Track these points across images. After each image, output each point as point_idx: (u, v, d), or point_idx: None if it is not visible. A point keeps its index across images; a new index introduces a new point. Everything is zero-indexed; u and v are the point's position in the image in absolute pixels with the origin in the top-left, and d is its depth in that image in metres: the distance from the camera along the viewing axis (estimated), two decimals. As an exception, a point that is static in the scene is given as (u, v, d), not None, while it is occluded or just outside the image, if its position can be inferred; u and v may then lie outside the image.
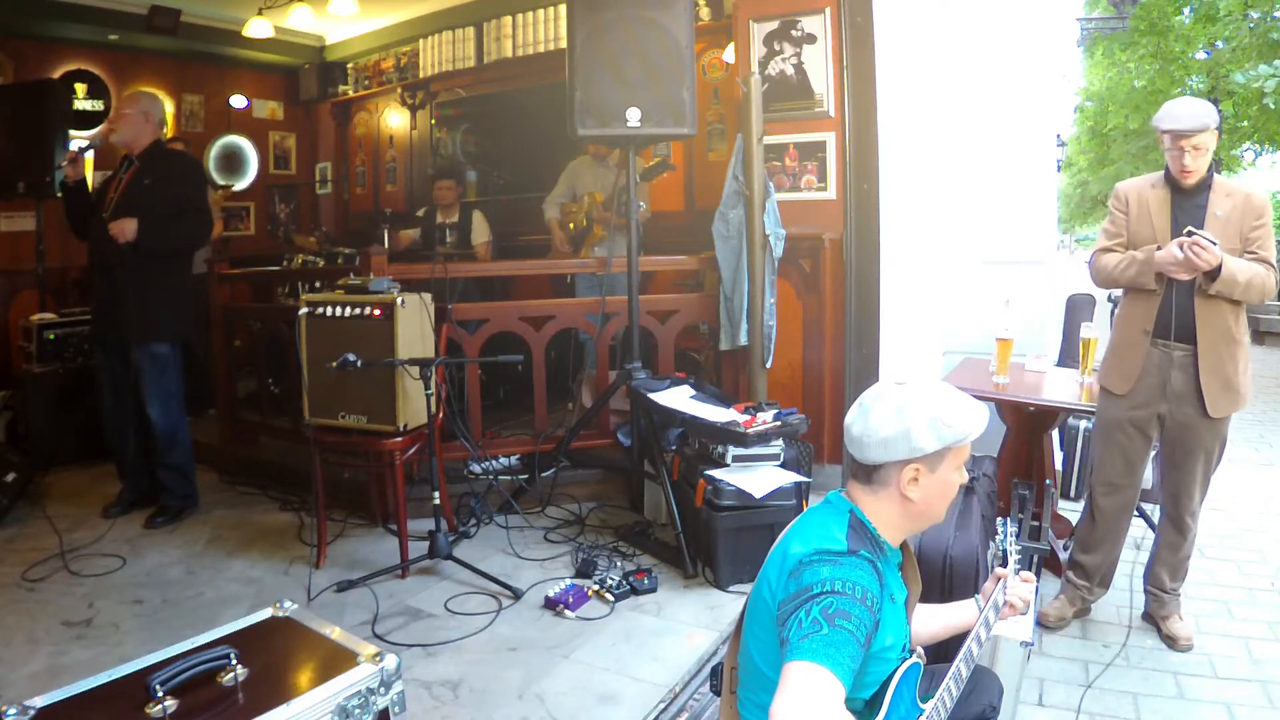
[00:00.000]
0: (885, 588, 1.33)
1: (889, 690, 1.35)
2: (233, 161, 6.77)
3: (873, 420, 1.39)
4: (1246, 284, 2.38)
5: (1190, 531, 2.66)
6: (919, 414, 1.37)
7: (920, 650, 1.49)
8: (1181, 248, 2.34)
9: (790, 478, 2.93)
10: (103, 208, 3.35)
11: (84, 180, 3.47)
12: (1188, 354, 2.49)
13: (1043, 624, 2.76)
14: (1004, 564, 1.69)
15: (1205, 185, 2.50)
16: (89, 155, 3.57)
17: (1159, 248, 2.45)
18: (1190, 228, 2.39)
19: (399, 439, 2.99)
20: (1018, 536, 1.83)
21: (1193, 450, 2.56)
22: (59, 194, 3.56)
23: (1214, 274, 2.37)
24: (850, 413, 1.45)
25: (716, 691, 1.57)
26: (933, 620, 1.66)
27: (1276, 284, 2.46)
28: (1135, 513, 2.84)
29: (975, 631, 1.53)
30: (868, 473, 1.41)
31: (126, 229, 3.20)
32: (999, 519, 1.79)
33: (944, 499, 1.42)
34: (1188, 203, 2.51)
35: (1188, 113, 2.41)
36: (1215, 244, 2.33)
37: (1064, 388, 3.19)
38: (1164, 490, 2.70)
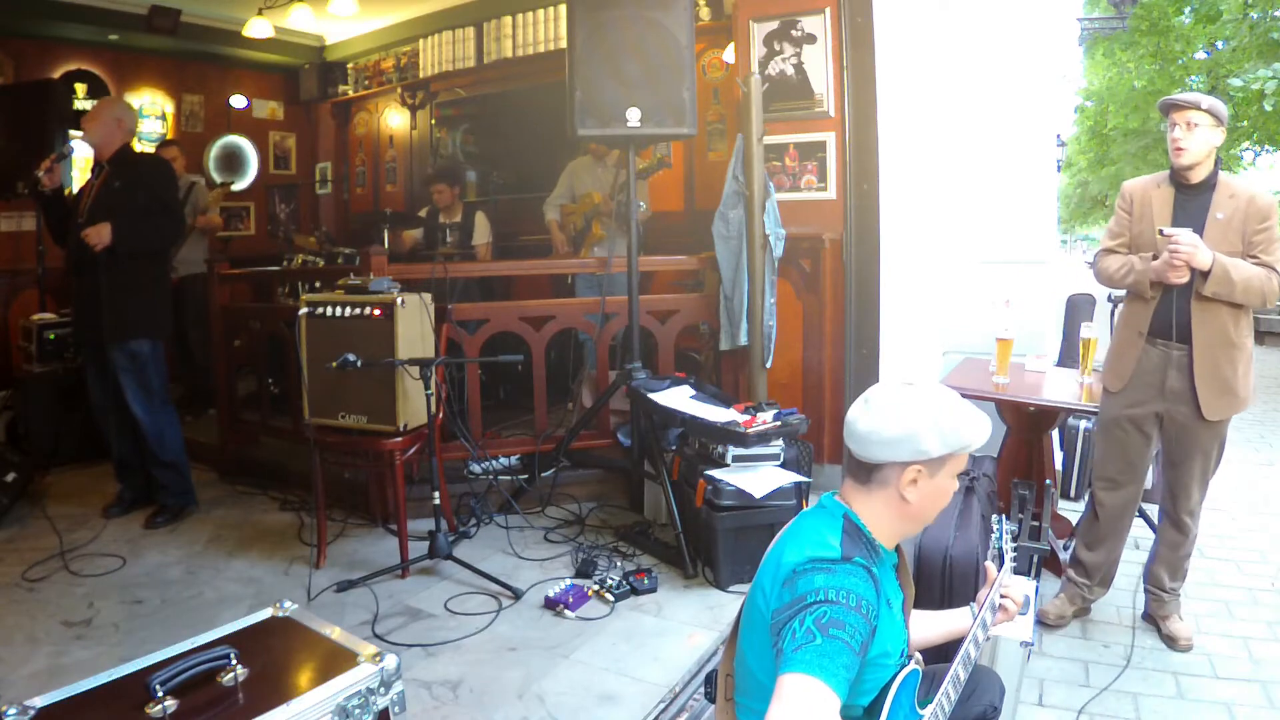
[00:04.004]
0: (881, 594, 1.32)
1: (888, 698, 1.34)
2: (233, 161, 6.77)
3: (879, 419, 1.37)
4: (1244, 285, 2.36)
5: (1190, 531, 2.65)
6: (927, 417, 1.35)
7: (918, 656, 1.48)
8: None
9: (790, 478, 2.93)
10: (77, 214, 3.38)
11: (61, 188, 3.49)
12: (1185, 354, 2.48)
13: (1043, 622, 2.76)
14: (1000, 563, 1.68)
15: (1210, 185, 2.47)
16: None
17: (1154, 257, 2.45)
18: (1161, 227, 2.40)
19: (399, 439, 2.99)
20: (1016, 536, 1.82)
21: (1190, 450, 2.55)
22: (46, 199, 3.57)
23: (1208, 274, 2.36)
24: (854, 408, 1.42)
25: (711, 699, 1.57)
26: (929, 627, 1.66)
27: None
28: (1136, 513, 2.84)
29: (972, 633, 1.52)
30: (867, 472, 1.40)
31: (102, 234, 3.22)
32: (995, 515, 1.78)
33: (938, 504, 1.42)
34: (1191, 203, 2.48)
35: (1186, 94, 2.48)
36: (1198, 243, 2.33)
37: (1064, 388, 3.19)
38: (1163, 489, 2.70)
